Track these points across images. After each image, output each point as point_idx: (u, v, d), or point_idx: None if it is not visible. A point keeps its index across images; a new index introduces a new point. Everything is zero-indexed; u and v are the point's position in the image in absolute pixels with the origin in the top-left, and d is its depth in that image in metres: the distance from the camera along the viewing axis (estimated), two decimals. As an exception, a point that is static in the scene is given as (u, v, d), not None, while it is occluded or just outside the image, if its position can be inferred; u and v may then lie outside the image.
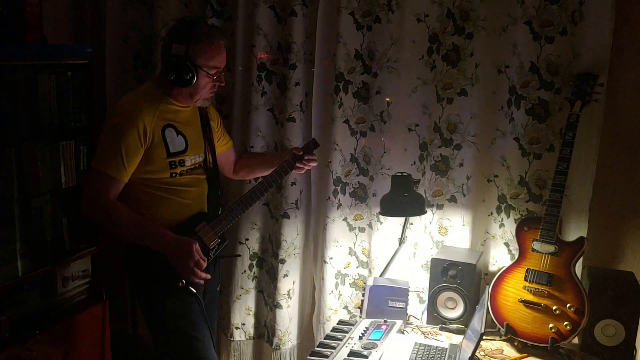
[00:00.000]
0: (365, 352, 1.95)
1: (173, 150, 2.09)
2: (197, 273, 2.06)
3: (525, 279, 2.17)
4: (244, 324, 2.87)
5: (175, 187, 2.11)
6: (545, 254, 2.15)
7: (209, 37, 2.07)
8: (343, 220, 2.64)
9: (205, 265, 2.08)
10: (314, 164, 2.35)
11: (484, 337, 2.14)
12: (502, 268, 2.28)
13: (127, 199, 2.08)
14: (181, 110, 2.15)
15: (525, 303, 2.16)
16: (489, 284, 2.25)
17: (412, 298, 2.52)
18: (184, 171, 2.13)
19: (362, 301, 2.35)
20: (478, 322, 1.86)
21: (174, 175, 2.10)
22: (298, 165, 2.28)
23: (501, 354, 2.14)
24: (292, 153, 2.29)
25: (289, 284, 2.75)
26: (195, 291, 2.10)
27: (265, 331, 2.86)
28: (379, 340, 2.05)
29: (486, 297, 2.02)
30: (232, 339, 2.88)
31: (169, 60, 2.05)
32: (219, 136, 2.35)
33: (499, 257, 2.45)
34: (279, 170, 2.25)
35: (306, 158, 2.29)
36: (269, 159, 2.41)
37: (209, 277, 2.11)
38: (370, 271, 2.63)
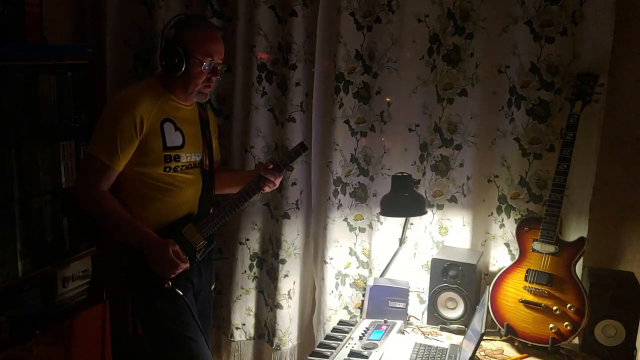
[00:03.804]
0: (365, 352, 1.95)
1: (169, 144, 2.09)
2: (173, 272, 2.04)
3: (526, 279, 2.17)
4: (244, 324, 2.87)
5: (166, 186, 2.11)
6: (546, 254, 2.15)
7: (201, 24, 2.09)
8: (343, 220, 2.64)
9: (184, 265, 2.06)
10: (270, 185, 2.23)
11: (484, 337, 2.14)
12: (502, 268, 2.27)
13: (119, 194, 2.08)
14: (182, 108, 2.15)
15: (525, 303, 2.16)
16: (489, 284, 2.25)
17: (412, 298, 2.52)
18: (178, 167, 2.12)
19: (362, 301, 2.35)
20: (478, 322, 1.86)
21: (168, 169, 2.10)
22: (263, 186, 2.21)
23: (501, 354, 2.14)
24: (259, 173, 2.21)
25: (289, 284, 2.75)
26: (181, 293, 2.10)
27: (265, 331, 2.86)
28: (379, 340, 2.05)
29: (486, 297, 2.02)
30: (232, 339, 2.88)
31: (161, 46, 2.07)
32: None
33: (499, 257, 2.45)
34: (255, 181, 2.21)
35: (267, 175, 2.19)
36: (239, 178, 2.37)
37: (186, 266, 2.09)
38: (370, 271, 2.63)
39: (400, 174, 2.36)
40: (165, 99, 2.10)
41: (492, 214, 2.45)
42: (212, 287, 2.43)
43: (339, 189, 2.61)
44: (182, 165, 2.14)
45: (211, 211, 2.27)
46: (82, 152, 2.53)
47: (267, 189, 2.24)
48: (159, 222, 2.10)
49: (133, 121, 2.01)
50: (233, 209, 2.20)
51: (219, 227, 2.20)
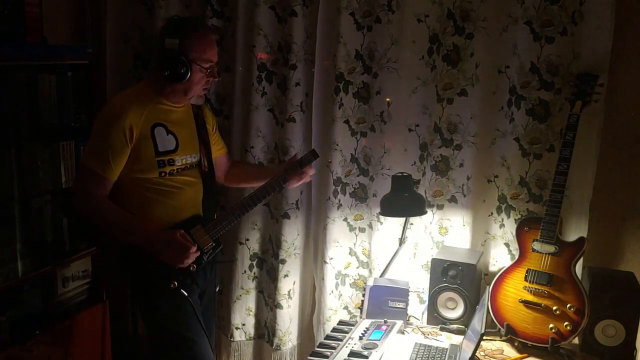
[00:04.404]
0: (365, 352, 1.95)
1: (162, 149, 2.09)
2: (185, 256, 2.04)
3: (525, 279, 2.17)
4: (244, 324, 2.87)
5: (166, 188, 2.10)
6: (545, 254, 2.15)
7: (200, 30, 2.09)
8: (343, 220, 2.64)
9: (194, 248, 2.07)
10: (306, 179, 2.30)
11: (484, 337, 2.13)
12: (502, 268, 2.27)
13: (119, 199, 2.09)
14: (173, 110, 2.15)
15: (525, 303, 2.16)
16: (489, 284, 2.25)
17: (412, 298, 2.52)
18: (173, 170, 2.12)
19: (362, 301, 2.35)
20: (478, 322, 1.86)
21: (163, 174, 2.10)
22: (290, 179, 2.24)
23: (501, 354, 2.14)
24: (286, 167, 2.25)
25: (289, 284, 2.75)
26: (186, 294, 2.09)
27: (265, 331, 2.86)
28: (379, 340, 2.05)
29: (486, 297, 2.02)
30: (232, 339, 2.88)
31: (163, 55, 2.06)
32: (213, 140, 2.34)
33: (499, 257, 2.45)
34: (277, 178, 2.22)
35: (304, 170, 2.24)
36: (263, 172, 2.39)
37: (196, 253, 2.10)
38: (370, 271, 2.63)
39: (400, 174, 2.36)
40: (155, 103, 2.10)
41: (492, 214, 2.45)
42: (218, 289, 2.43)
43: (339, 189, 2.61)
44: (178, 168, 2.14)
45: (215, 212, 2.27)
46: (82, 152, 2.53)
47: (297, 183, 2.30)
48: (165, 222, 2.10)
49: (122, 130, 2.01)
50: (242, 212, 2.20)
51: (227, 230, 2.20)
